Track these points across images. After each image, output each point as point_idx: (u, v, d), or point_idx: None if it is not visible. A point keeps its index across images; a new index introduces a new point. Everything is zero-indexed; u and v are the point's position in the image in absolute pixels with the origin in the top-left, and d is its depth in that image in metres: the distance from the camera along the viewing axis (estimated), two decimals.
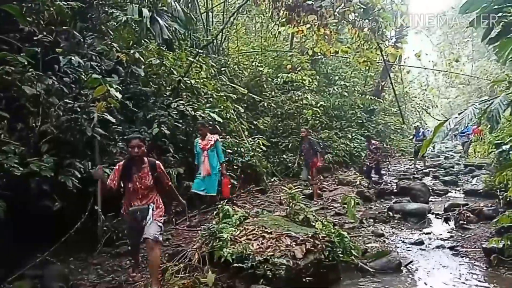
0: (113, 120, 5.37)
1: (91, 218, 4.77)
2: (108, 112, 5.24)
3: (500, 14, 3.24)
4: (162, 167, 4.16)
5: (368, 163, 11.05)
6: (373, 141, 11.09)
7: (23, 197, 4.22)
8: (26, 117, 4.78)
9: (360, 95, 17.01)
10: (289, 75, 12.98)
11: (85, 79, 5.03)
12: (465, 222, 6.57)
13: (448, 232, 6.39)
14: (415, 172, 13.27)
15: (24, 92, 4.67)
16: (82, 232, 4.69)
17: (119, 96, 4.80)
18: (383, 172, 11.80)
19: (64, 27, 5.74)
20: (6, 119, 4.36)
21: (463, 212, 6.86)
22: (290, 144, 12.20)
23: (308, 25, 9.36)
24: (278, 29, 12.28)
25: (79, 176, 4.64)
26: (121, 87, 5.84)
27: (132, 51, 6.09)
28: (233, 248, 4.06)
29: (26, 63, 4.57)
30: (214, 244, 4.11)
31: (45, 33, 5.19)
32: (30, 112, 4.81)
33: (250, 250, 4.01)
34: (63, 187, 4.45)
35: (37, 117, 4.72)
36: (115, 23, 7.26)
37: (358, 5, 8.88)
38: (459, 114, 3.09)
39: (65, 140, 4.89)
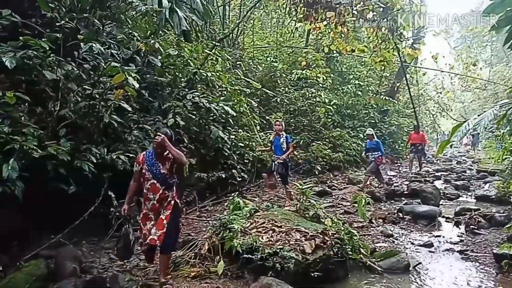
0: (129, 109, 5.44)
1: (104, 204, 4.84)
2: (125, 100, 5.32)
3: None
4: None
5: None
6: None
7: (40, 179, 4.30)
8: (46, 101, 4.88)
9: (374, 95, 16.87)
10: (304, 71, 12.94)
11: (104, 66, 5.08)
12: (475, 227, 6.50)
13: (458, 236, 6.33)
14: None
15: (44, 77, 4.77)
16: (95, 216, 4.77)
17: (137, 85, 4.86)
18: None
19: (84, 15, 5.83)
20: (27, 102, 4.45)
21: (474, 217, 6.79)
22: (302, 140, 12.19)
23: (325, 22, 9.31)
24: (294, 25, 12.21)
25: (95, 161, 4.71)
26: (138, 76, 5.90)
27: (152, 41, 6.12)
28: (243, 239, 4.10)
29: (47, 48, 4.66)
30: (225, 234, 4.16)
31: (66, 20, 5.28)
32: (49, 97, 4.90)
33: (259, 242, 4.05)
34: (78, 171, 4.53)
35: (56, 102, 4.81)
36: (134, 13, 7.32)
37: (377, 4, 8.81)
38: (478, 115, 3.05)
39: (82, 125, 4.97)
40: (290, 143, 7.43)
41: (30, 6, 5.37)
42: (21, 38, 4.54)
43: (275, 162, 7.39)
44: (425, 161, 15.02)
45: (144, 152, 3.94)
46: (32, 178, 4.09)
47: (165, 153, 3.74)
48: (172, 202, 3.77)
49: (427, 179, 11.62)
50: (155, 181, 3.71)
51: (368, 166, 10.88)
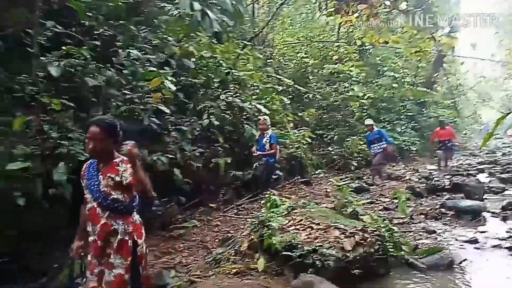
0: (167, 111, 5.59)
1: (146, 203, 5.00)
2: (162, 103, 5.48)
3: None
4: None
5: None
6: None
7: None
8: (88, 107, 5.11)
9: (410, 87, 16.35)
10: (335, 66, 12.78)
11: (142, 71, 5.25)
12: None
13: (507, 232, 6.02)
14: None
15: (85, 84, 5.00)
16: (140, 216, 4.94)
17: (173, 88, 4.99)
18: None
19: (120, 21, 6.05)
20: (71, 109, 4.68)
21: None
22: (336, 136, 12.04)
23: (356, 15, 9.16)
24: (325, 19, 12.07)
25: None
26: (173, 79, 6.05)
27: (186, 45, 6.25)
28: (282, 237, 4.12)
29: (88, 56, 4.88)
30: (263, 232, 4.19)
31: (104, 27, 5.50)
32: (91, 103, 5.13)
33: (298, 240, 4.06)
34: None
35: (98, 107, 5.02)
36: (167, 17, 7.50)
37: None
38: None
39: (123, 129, 5.15)
40: (274, 143, 6.68)
41: (69, 15, 5.63)
42: (63, 47, 4.78)
43: (257, 164, 6.82)
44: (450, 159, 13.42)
45: (90, 161, 2.66)
46: (79, 181, 4.29)
47: (112, 160, 2.49)
48: (130, 242, 2.45)
49: (470, 172, 11.16)
50: (95, 204, 2.45)
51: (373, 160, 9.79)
